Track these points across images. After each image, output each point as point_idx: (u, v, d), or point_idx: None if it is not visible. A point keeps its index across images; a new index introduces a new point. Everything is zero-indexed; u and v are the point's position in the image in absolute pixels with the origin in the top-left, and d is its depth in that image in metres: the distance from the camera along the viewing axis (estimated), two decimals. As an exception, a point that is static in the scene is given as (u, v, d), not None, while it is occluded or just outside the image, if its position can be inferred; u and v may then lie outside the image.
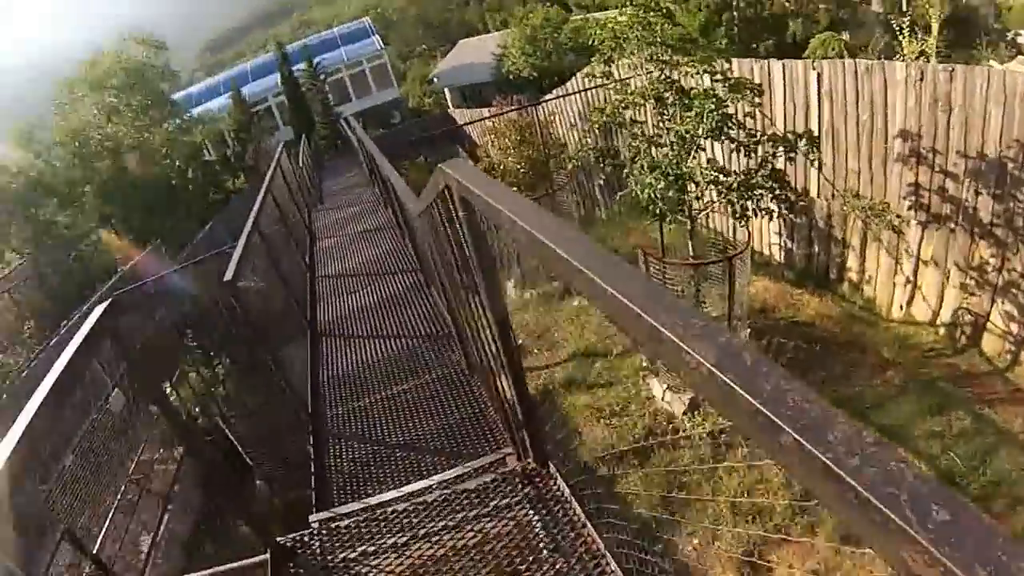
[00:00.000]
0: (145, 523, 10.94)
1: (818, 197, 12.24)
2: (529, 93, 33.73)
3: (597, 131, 12.28)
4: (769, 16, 28.82)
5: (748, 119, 10.55)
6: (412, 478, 5.40)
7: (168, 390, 13.06)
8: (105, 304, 3.22)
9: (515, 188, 15.97)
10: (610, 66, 11.05)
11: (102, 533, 9.92)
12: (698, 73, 9.91)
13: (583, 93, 19.66)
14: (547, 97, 22.24)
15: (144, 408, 13.24)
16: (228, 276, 5.82)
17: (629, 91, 10.89)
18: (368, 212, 16.51)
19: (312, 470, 6.11)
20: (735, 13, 28.37)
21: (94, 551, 9.36)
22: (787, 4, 28.50)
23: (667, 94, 10.04)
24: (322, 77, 49.47)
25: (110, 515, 10.27)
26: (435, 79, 60.35)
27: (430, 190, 4.29)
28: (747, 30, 28.72)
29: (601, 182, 16.39)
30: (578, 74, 20.65)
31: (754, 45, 27.44)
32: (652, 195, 9.59)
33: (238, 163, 40.08)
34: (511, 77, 43.60)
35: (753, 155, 9.69)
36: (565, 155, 17.76)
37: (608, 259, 1.65)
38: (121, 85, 34.77)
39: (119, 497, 10.73)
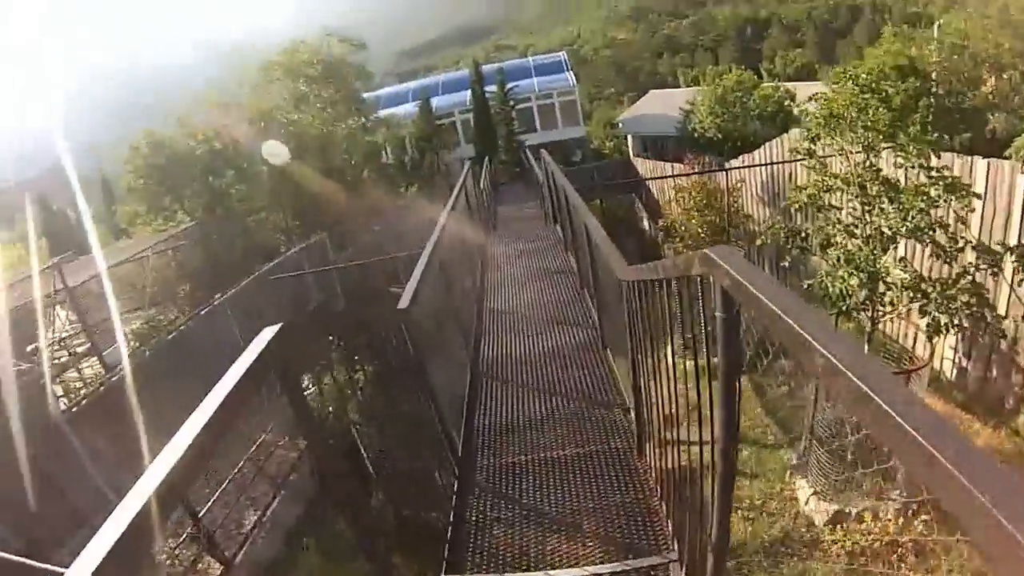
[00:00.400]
0: (254, 501, 11.36)
1: (1006, 316, 10.83)
2: (711, 154, 33.40)
3: (793, 210, 11.79)
4: (970, 107, 27.78)
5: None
6: (560, 561, 5.02)
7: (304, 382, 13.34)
8: (274, 330, 3.02)
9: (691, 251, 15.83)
10: (815, 143, 10.71)
11: (211, 500, 10.25)
12: (909, 165, 9.40)
13: (772, 166, 19.10)
14: (734, 164, 21.80)
15: (275, 393, 13.38)
16: (403, 304, 5.62)
17: (829, 173, 10.47)
18: (545, 250, 16.27)
19: (450, 519, 5.82)
20: (931, 100, 27.40)
21: (199, 513, 9.45)
22: (991, 96, 27.27)
23: (871, 184, 9.58)
24: (511, 103, 50.02)
25: (223, 486, 10.35)
26: (620, 124, 60.24)
27: (665, 267, 4.01)
28: (943, 120, 27.72)
29: (786, 264, 15.91)
30: (766, 145, 20.14)
31: (947, 137, 26.32)
32: (844, 290, 9.16)
33: (414, 171, 40.46)
34: (695, 135, 43.12)
35: (953, 263, 9.09)
36: (746, 226, 17.46)
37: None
38: (316, 76, 35.88)
39: (235, 471, 11.18)
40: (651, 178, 28.12)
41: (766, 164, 19.21)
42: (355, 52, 38.36)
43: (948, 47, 27.84)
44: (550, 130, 53.36)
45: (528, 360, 9.24)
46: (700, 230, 16.19)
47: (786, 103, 41.38)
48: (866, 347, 10.10)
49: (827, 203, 10.51)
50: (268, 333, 3.02)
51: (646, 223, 29.19)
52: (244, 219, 28.59)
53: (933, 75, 27.53)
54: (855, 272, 9.04)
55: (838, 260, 9.44)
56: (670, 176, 22.09)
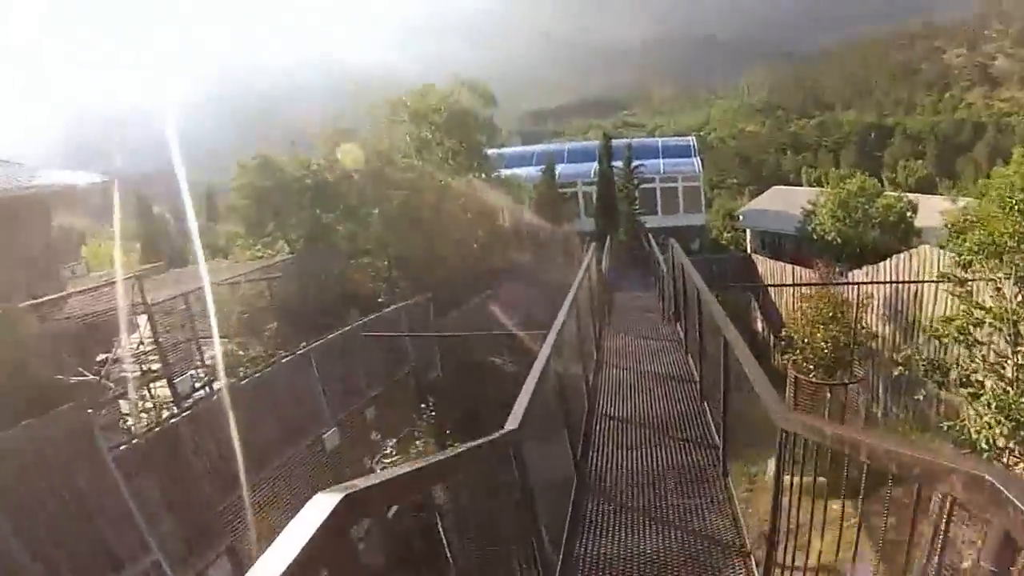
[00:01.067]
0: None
1: None
2: (828, 258, 32.42)
3: (939, 340, 10.56)
4: None
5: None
6: None
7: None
8: (336, 500, 2.11)
9: (812, 370, 14.66)
10: (967, 270, 9.70)
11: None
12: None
13: (897, 282, 18.21)
14: (857, 274, 20.75)
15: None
16: (513, 423, 4.86)
17: (976, 305, 9.81)
18: (663, 351, 14.71)
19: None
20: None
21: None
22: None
23: None
24: (636, 181, 49.12)
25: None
26: (740, 216, 59.52)
27: (873, 450, 3.19)
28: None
29: (921, 396, 14.67)
30: (892, 257, 19.42)
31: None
32: (989, 439, 8.04)
33: (529, 238, 39.59)
34: (814, 236, 42.66)
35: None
36: (869, 344, 16.42)
37: None
38: (442, 123, 35.06)
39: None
40: (776, 284, 26.65)
41: (900, 281, 18.09)
42: (486, 105, 37.55)
43: None
44: (671, 214, 52.56)
45: (638, 480, 8.18)
46: (824, 344, 14.86)
47: (908, 214, 40.99)
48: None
49: (974, 338, 9.68)
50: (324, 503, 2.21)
51: (759, 323, 28.04)
52: (346, 260, 27.75)
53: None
54: (1004, 421, 8.19)
55: (988, 405, 8.30)
56: (795, 284, 20.84)
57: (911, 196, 45.84)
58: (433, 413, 14.52)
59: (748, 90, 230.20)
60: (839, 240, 40.41)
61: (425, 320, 22.25)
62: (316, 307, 22.27)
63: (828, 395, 14.24)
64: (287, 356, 15.03)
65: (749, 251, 51.21)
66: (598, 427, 10.12)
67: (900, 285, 18.07)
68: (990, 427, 8.03)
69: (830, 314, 15.06)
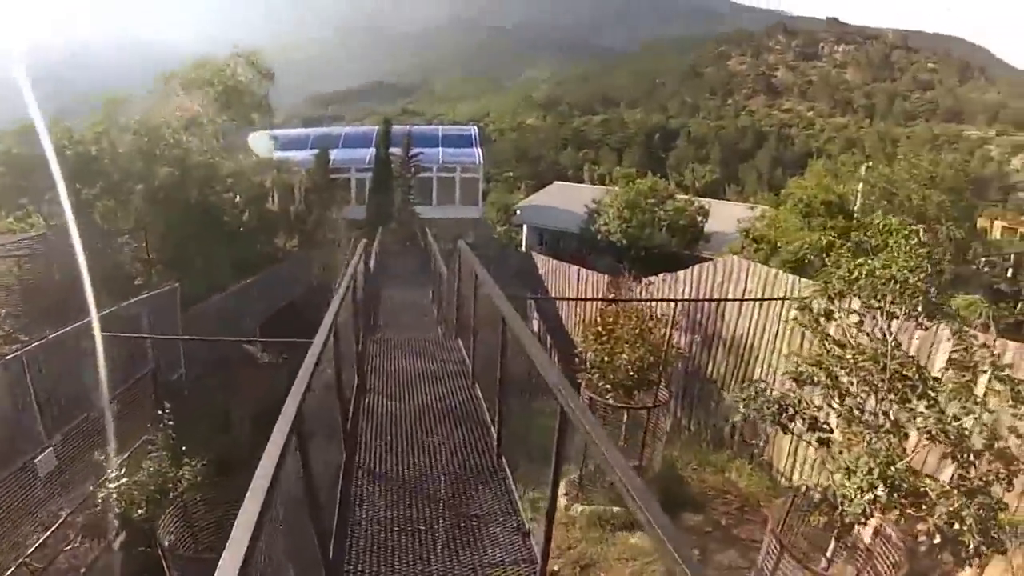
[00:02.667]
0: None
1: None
2: (610, 259, 31.92)
3: (796, 380, 9.49)
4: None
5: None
6: None
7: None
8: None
9: (610, 390, 13.20)
10: (833, 302, 9.27)
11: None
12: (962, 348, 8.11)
13: (695, 291, 17.57)
14: (656, 284, 19.73)
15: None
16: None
17: (833, 341, 9.11)
18: (450, 374, 12.22)
19: None
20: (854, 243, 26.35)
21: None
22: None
23: (903, 368, 8.02)
24: (413, 170, 48.16)
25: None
26: (518, 211, 58.79)
27: None
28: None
29: (761, 442, 13.73)
30: (695, 267, 18.38)
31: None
32: (856, 493, 7.51)
33: (298, 223, 37.68)
34: (599, 236, 42.29)
35: (973, 468, 7.65)
36: (676, 364, 15.40)
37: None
38: (215, 97, 33.39)
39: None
40: (591, 299, 23.94)
41: (727, 299, 17.10)
42: (262, 82, 36.30)
43: (879, 191, 28.52)
44: (447, 205, 51.48)
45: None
46: (630, 368, 13.18)
47: (699, 219, 41.22)
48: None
49: (829, 381, 8.81)
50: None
51: (535, 324, 26.64)
52: (105, 239, 25.48)
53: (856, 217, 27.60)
54: (877, 479, 7.47)
55: (860, 460, 7.67)
56: (616, 300, 19.13)
57: (703, 200, 46.19)
58: (171, 423, 12.43)
59: (532, 83, 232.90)
60: (624, 241, 40.13)
61: (172, 314, 19.68)
62: (64, 289, 19.75)
63: (625, 418, 12.88)
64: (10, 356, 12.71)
65: (524, 248, 50.64)
66: (361, 491, 7.96)
67: (699, 294, 17.38)
68: (861, 488, 7.46)
69: (636, 331, 13.65)
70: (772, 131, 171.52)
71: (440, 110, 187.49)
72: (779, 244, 28.74)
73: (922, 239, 8.67)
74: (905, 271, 8.19)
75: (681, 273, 18.86)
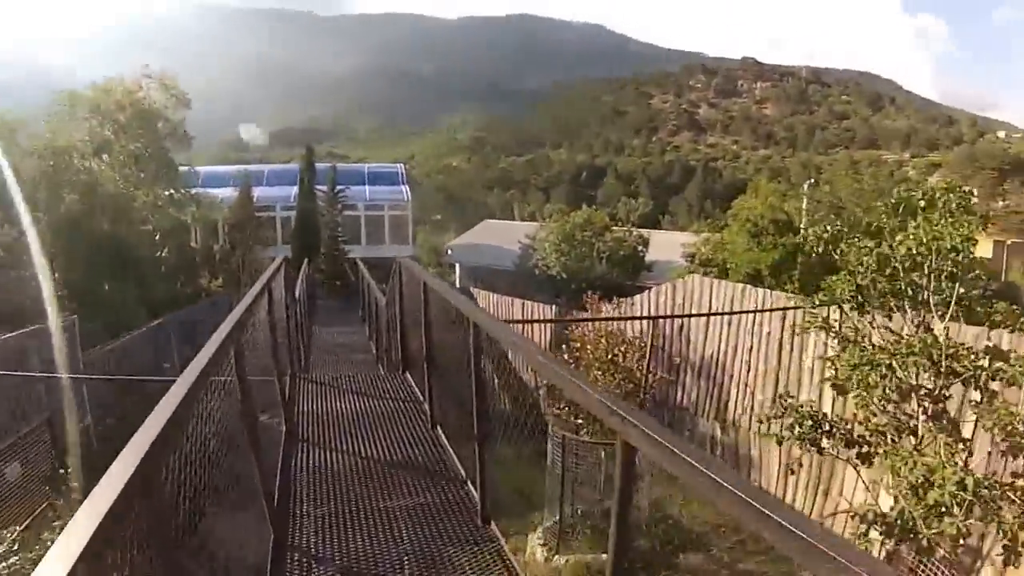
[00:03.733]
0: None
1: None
2: (548, 293, 31.08)
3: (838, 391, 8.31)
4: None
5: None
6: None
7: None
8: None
9: (582, 425, 11.46)
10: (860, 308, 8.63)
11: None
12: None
13: (654, 317, 15.87)
14: (621, 312, 18.24)
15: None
16: None
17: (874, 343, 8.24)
18: (403, 415, 9.91)
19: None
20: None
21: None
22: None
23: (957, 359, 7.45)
24: (339, 207, 46.94)
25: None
26: (449, 251, 57.38)
27: None
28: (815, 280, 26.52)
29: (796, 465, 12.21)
30: (651, 290, 17.78)
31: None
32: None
33: (222, 264, 35.72)
34: (536, 271, 40.87)
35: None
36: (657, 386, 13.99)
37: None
38: (126, 123, 31.24)
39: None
40: (563, 320, 21.95)
41: (714, 313, 15.61)
42: (177, 107, 34.15)
43: (826, 206, 29.34)
44: (377, 244, 50.06)
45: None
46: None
47: (639, 248, 40.69)
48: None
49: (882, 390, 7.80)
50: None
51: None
52: (6, 275, 23.80)
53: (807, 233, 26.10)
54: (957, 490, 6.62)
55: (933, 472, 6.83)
56: (578, 320, 17.46)
57: (642, 231, 45.42)
58: (74, 484, 10.34)
59: (455, 127, 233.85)
60: (563, 275, 38.74)
61: (71, 351, 16.91)
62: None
63: (603, 455, 11.01)
64: None
65: (458, 286, 49.39)
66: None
67: (662, 319, 15.77)
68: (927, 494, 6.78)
69: (608, 357, 11.96)
70: (699, 164, 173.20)
71: (363, 153, 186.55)
72: (728, 265, 28.32)
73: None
74: (957, 237, 7.52)
75: (637, 297, 18.08)
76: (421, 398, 10.17)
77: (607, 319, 15.40)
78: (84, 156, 28.12)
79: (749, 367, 13.61)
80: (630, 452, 3.47)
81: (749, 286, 14.68)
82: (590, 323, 15.20)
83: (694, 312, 15.27)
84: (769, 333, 12.87)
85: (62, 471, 10.36)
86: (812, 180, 32.98)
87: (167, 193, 32.50)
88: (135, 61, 33.52)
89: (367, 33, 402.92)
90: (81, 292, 24.29)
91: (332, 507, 6.81)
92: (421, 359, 9.62)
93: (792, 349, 12.46)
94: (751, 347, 13.61)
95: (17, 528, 9.79)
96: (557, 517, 10.59)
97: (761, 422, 9.64)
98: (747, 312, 13.68)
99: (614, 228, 43.41)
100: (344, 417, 9.92)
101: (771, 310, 13.05)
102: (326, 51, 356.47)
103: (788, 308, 11.65)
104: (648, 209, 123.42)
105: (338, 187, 47.29)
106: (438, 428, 8.86)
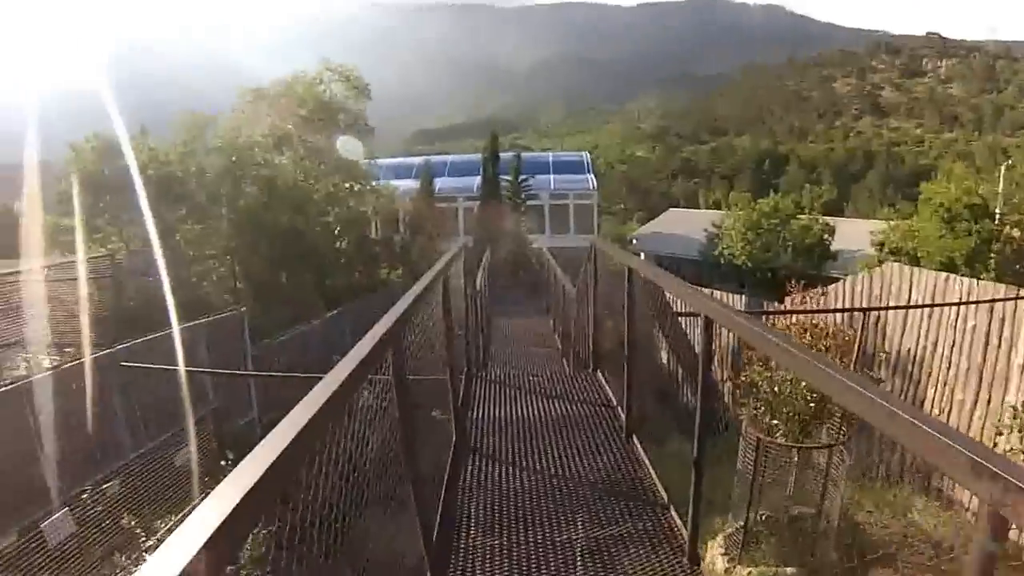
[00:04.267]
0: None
1: None
2: (734, 284, 30.03)
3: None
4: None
5: None
6: None
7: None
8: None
9: (781, 430, 10.08)
10: None
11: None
12: None
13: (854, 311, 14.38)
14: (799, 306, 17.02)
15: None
16: None
17: None
18: (591, 422, 8.59)
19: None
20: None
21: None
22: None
23: None
24: (523, 196, 46.31)
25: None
26: (634, 240, 56.21)
27: None
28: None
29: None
30: (845, 280, 15.90)
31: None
32: None
33: (402, 254, 35.37)
34: (722, 261, 40.17)
35: None
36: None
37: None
38: (307, 116, 31.28)
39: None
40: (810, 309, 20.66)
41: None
42: (358, 97, 33.99)
43: None
44: (560, 235, 48.49)
45: None
46: (807, 398, 9.60)
47: (825, 237, 39.12)
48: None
49: None
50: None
51: (664, 355, 23.83)
52: (188, 265, 24.01)
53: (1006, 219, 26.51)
54: None
55: None
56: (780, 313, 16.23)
57: (827, 219, 43.61)
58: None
59: (639, 115, 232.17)
60: (748, 264, 37.81)
61: (237, 342, 16.79)
62: (135, 319, 17.58)
63: (796, 458, 9.49)
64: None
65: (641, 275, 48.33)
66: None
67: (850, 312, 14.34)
68: None
69: (815, 350, 10.72)
70: (881, 151, 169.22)
71: (547, 144, 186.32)
72: (919, 254, 26.92)
73: None
74: None
75: (831, 288, 16.15)
76: (614, 401, 9.03)
77: (814, 311, 13.97)
78: (265, 150, 28.20)
79: (950, 364, 12.21)
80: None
81: (954, 275, 13.24)
82: (792, 316, 14.04)
83: (892, 304, 13.97)
84: (975, 327, 11.52)
85: (223, 463, 9.76)
86: (1010, 161, 30.47)
87: (347, 185, 32.39)
88: (319, 58, 33.40)
89: (546, 23, 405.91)
90: (258, 284, 24.60)
91: (506, 538, 5.72)
92: (618, 356, 8.52)
93: (1000, 344, 11.10)
94: (953, 342, 12.20)
95: (174, 517, 9.33)
96: (741, 523, 9.33)
97: (1000, 434, 8.38)
98: (966, 303, 12.27)
99: (800, 216, 41.87)
100: (524, 423, 8.76)
101: (982, 302, 11.64)
102: (506, 42, 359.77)
103: (1000, 300, 10.23)
104: (832, 197, 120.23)
105: (522, 176, 46.75)
106: (634, 439, 7.64)
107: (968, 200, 26.35)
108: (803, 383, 9.15)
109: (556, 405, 9.51)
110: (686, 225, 51.38)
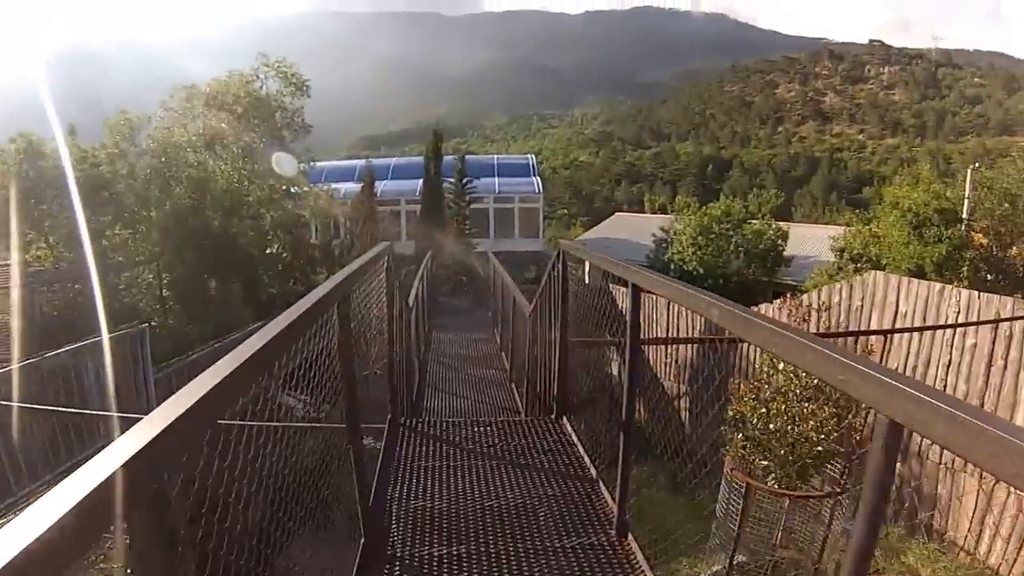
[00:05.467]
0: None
1: None
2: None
3: None
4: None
5: None
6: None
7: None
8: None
9: (773, 475, 8.40)
10: None
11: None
12: None
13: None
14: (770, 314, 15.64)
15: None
16: None
17: None
18: (541, 516, 5.55)
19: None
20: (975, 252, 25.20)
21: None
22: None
23: None
24: (467, 199, 45.46)
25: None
26: (582, 245, 55.28)
27: None
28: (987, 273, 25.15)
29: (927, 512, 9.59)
30: (826, 289, 14.61)
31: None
32: None
33: (341, 260, 34.09)
34: (671, 266, 39.24)
35: None
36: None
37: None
38: (241, 114, 30.18)
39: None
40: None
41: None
42: (295, 95, 32.91)
43: (998, 194, 25.70)
44: (506, 238, 48.86)
45: None
46: (813, 435, 7.77)
47: (779, 243, 38.71)
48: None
49: None
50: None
51: (614, 367, 22.19)
52: (113, 273, 22.70)
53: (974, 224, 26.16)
54: None
55: None
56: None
57: (780, 224, 42.81)
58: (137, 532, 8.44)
59: (582, 120, 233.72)
60: (700, 271, 37.14)
61: (130, 363, 14.40)
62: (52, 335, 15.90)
63: (787, 505, 7.96)
64: None
65: (587, 282, 47.56)
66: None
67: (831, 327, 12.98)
68: None
69: (813, 383, 8.76)
70: (824, 156, 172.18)
71: (492, 149, 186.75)
72: (883, 261, 26.45)
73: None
74: None
75: (804, 297, 14.30)
76: (593, 476, 6.29)
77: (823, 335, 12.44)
78: (197, 150, 27.27)
79: (945, 386, 10.85)
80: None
81: (951, 287, 11.91)
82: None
83: (877, 316, 12.60)
84: (975, 345, 10.14)
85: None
86: (976, 164, 29.94)
87: (283, 187, 31.41)
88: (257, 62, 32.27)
89: (492, 31, 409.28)
90: (184, 292, 23.60)
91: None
92: (602, 404, 7.15)
93: (1006, 366, 9.74)
94: (949, 362, 10.85)
95: None
96: (717, 568, 7.98)
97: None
98: (984, 323, 10.58)
99: (752, 221, 41.27)
100: (466, 517, 5.54)
101: (1000, 320, 10.16)
102: (453, 50, 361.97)
103: (1009, 319, 8.98)
104: (780, 201, 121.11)
105: (466, 179, 45.93)
106: (631, 541, 5.03)
107: (938, 205, 25.92)
108: (809, 422, 7.66)
109: (512, 479, 6.31)
110: (633, 230, 51.13)
